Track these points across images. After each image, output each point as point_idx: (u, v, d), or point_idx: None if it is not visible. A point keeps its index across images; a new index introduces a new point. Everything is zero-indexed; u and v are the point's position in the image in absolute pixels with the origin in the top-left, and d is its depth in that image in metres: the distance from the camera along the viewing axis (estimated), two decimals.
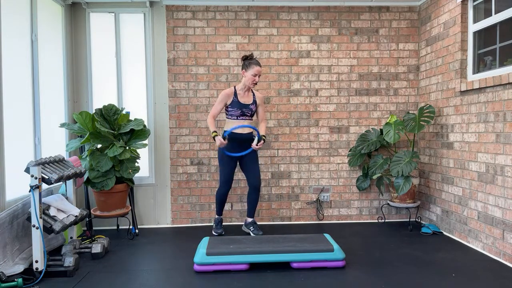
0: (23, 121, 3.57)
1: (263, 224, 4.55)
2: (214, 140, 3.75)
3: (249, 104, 3.92)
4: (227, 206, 4.60)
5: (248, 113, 3.93)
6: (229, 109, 3.91)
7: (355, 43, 4.64)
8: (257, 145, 3.85)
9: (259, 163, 4.60)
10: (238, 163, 4.10)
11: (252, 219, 4.09)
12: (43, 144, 3.84)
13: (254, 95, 3.98)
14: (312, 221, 4.66)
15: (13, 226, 3.12)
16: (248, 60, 3.88)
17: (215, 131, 3.80)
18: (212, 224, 4.59)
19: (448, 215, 4.07)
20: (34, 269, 2.91)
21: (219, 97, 3.90)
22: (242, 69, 3.90)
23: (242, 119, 3.91)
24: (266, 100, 4.59)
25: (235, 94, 3.91)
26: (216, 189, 4.38)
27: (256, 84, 3.89)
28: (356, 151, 4.51)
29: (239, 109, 3.89)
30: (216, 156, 4.58)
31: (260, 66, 3.87)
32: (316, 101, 4.63)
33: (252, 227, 4.05)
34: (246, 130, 3.90)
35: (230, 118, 3.94)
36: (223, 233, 4.12)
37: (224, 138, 3.82)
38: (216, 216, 4.20)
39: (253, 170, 3.97)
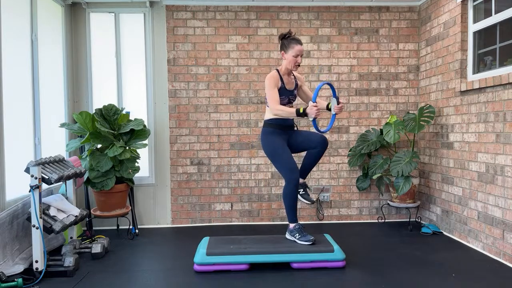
0: (23, 121, 3.56)
1: (263, 224, 4.55)
2: (306, 114, 3.03)
3: (293, 90, 3.35)
4: (227, 206, 4.60)
5: (293, 100, 3.38)
6: (278, 96, 3.24)
7: (355, 43, 4.64)
8: (338, 104, 3.13)
9: (260, 163, 4.61)
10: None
11: (304, 181, 3.41)
12: (43, 144, 3.84)
13: (295, 77, 3.39)
14: (312, 221, 4.66)
15: (13, 226, 3.12)
16: (286, 39, 3.24)
17: (298, 108, 3.10)
18: (212, 224, 4.59)
19: (448, 215, 4.07)
20: (34, 269, 2.92)
21: (270, 83, 3.19)
22: (280, 50, 3.29)
23: (289, 106, 3.34)
24: (266, 100, 4.58)
25: (282, 80, 3.27)
26: (284, 188, 3.30)
27: (299, 66, 3.28)
28: (356, 151, 4.51)
29: (287, 96, 3.30)
30: (217, 156, 4.58)
31: (301, 44, 3.23)
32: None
33: (303, 190, 3.37)
34: (291, 115, 3.15)
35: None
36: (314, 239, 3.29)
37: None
38: (296, 225, 3.33)
39: (310, 135, 3.35)
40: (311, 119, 3.04)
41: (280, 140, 3.29)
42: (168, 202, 4.58)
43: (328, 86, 4.62)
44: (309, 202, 3.42)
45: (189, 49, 4.55)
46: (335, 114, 3.17)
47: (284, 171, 3.23)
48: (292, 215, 3.31)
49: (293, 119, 3.36)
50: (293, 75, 3.40)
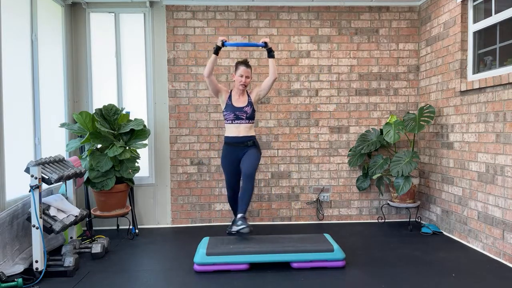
0: (23, 121, 3.56)
1: (263, 224, 4.55)
2: (217, 46, 3.64)
3: (243, 107, 3.71)
4: (227, 206, 4.60)
5: (243, 116, 3.71)
6: (224, 113, 3.74)
7: (355, 43, 4.64)
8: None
9: (260, 163, 4.60)
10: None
11: (241, 214, 3.53)
12: (43, 144, 3.84)
13: (248, 96, 3.79)
14: (312, 221, 4.66)
15: (13, 226, 3.12)
16: (237, 63, 3.76)
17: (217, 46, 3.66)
18: (212, 224, 4.59)
19: (448, 215, 4.07)
20: (34, 269, 2.92)
21: (221, 85, 3.88)
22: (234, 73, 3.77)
23: (238, 123, 3.70)
24: (266, 100, 4.59)
25: (230, 97, 3.75)
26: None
27: (245, 85, 3.69)
28: (356, 151, 4.51)
29: (232, 112, 3.69)
30: (217, 156, 4.58)
31: (247, 66, 3.70)
32: (316, 101, 4.63)
33: (239, 221, 3.48)
34: (241, 133, 3.69)
35: (226, 123, 3.75)
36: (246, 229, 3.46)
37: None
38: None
39: (248, 161, 3.65)
40: (219, 44, 3.63)
41: (228, 159, 3.77)
42: (168, 202, 4.58)
43: (328, 86, 4.61)
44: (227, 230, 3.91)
45: (189, 49, 4.55)
46: (264, 44, 3.69)
47: (226, 184, 3.90)
48: (233, 211, 3.95)
49: (243, 137, 3.71)
50: (248, 95, 3.79)
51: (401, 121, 4.21)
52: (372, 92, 4.67)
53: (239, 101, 3.75)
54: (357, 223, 4.59)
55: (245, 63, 3.74)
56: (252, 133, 3.78)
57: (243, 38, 4.57)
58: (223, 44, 3.66)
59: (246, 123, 3.73)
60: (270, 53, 3.68)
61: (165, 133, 4.56)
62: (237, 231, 3.37)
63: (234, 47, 4.55)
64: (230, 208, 4.59)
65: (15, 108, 3.41)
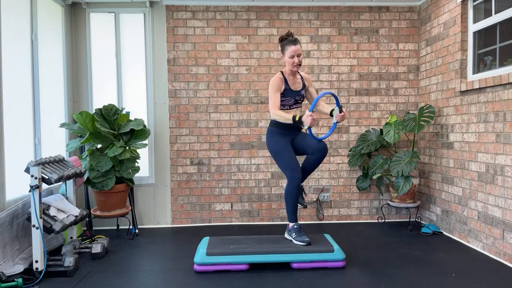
0: (23, 121, 3.56)
1: (263, 224, 4.55)
2: (301, 122, 3.04)
3: (300, 90, 3.36)
4: (227, 206, 4.60)
5: (300, 100, 3.39)
6: (283, 98, 3.30)
7: (355, 43, 4.64)
8: (340, 112, 3.13)
9: (260, 163, 4.61)
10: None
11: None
12: (43, 144, 3.84)
13: (302, 77, 3.40)
14: (312, 221, 4.66)
15: (13, 226, 3.12)
16: (283, 42, 3.29)
17: (294, 115, 3.11)
18: (212, 224, 4.59)
19: (448, 215, 4.07)
20: (34, 269, 2.92)
21: (273, 86, 3.25)
22: (282, 53, 3.35)
23: (295, 107, 3.37)
24: (266, 100, 4.59)
25: (286, 81, 3.31)
26: (286, 187, 3.37)
27: (300, 65, 3.26)
28: (356, 151, 4.51)
29: (292, 97, 3.32)
30: (217, 156, 4.58)
31: (296, 44, 3.22)
32: None
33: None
34: (288, 121, 3.17)
35: (283, 109, 3.33)
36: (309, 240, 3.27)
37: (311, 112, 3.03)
38: (294, 224, 3.34)
39: (310, 140, 3.31)
40: (305, 127, 3.04)
41: (283, 140, 3.34)
42: (168, 202, 4.58)
43: (328, 86, 4.62)
44: (301, 206, 3.50)
45: (189, 49, 4.55)
46: (336, 122, 3.17)
47: (286, 170, 3.29)
48: (291, 214, 3.34)
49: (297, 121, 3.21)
50: (300, 75, 3.40)
51: (401, 121, 4.21)
52: (372, 92, 4.67)
53: (295, 83, 3.35)
54: (357, 223, 4.59)
55: (291, 41, 3.24)
56: None
57: (243, 37, 4.56)
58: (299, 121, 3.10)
59: (300, 107, 3.42)
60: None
61: (165, 133, 4.56)
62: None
63: (234, 48, 4.53)
64: (230, 208, 4.60)
65: (15, 108, 3.41)
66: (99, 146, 3.97)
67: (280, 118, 3.19)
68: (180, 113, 4.56)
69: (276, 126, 3.35)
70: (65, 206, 3.38)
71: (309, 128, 3.03)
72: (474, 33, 3.73)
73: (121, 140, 4.01)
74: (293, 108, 3.37)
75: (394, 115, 4.38)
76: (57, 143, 4.17)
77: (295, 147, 3.42)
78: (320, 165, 4.63)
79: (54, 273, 2.98)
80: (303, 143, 3.38)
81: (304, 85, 3.41)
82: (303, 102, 3.48)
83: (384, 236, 4.05)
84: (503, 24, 3.37)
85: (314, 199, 4.66)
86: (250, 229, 4.31)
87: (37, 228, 2.89)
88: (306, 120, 2.99)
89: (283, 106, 3.34)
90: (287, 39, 3.26)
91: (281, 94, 3.28)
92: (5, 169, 3.16)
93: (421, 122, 4.10)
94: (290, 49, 3.22)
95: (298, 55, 3.23)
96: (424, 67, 4.55)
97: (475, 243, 3.64)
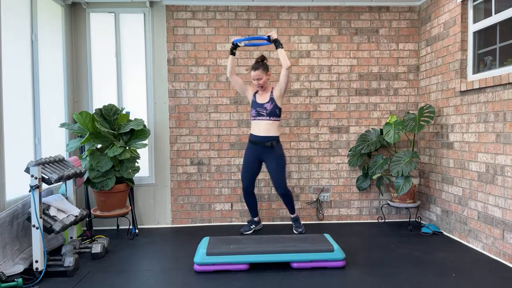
0: (23, 121, 3.56)
1: (263, 224, 4.55)
2: (231, 46, 3.86)
3: (263, 103, 3.86)
4: (227, 206, 4.60)
5: (263, 112, 3.85)
6: (250, 109, 3.96)
7: (355, 43, 4.64)
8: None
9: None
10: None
11: (294, 215, 4.17)
12: (43, 144, 3.84)
13: (271, 92, 3.91)
14: (312, 221, 4.66)
15: (13, 226, 3.12)
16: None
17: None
18: (212, 224, 4.59)
19: (448, 215, 4.07)
20: (34, 269, 2.92)
21: (249, 85, 4.10)
22: None
23: (259, 119, 3.87)
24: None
25: (255, 94, 3.96)
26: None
27: (262, 86, 3.90)
28: (356, 151, 4.51)
29: (254, 108, 3.88)
30: (217, 156, 4.58)
31: (255, 69, 3.85)
32: (316, 101, 4.63)
33: (294, 223, 4.18)
34: (261, 131, 3.86)
35: (251, 119, 3.97)
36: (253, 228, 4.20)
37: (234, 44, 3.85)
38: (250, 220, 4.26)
39: (275, 177, 3.94)
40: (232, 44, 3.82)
41: (248, 154, 3.97)
42: (168, 202, 4.58)
43: (328, 86, 4.61)
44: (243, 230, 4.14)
45: (189, 49, 4.55)
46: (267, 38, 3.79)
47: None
48: (251, 213, 4.19)
49: (263, 137, 3.85)
50: (272, 91, 3.89)
51: (401, 121, 4.21)
52: (372, 92, 4.67)
53: (262, 97, 3.90)
54: (357, 223, 4.59)
55: (252, 67, 3.86)
56: (273, 133, 3.85)
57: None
58: (233, 43, 3.82)
59: (267, 119, 3.83)
60: (276, 44, 3.76)
61: (165, 133, 4.56)
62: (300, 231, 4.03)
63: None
64: (230, 208, 4.60)
65: (15, 108, 3.41)
66: (99, 146, 3.98)
67: (228, 64, 3.92)
68: (180, 113, 4.56)
69: (248, 140, 3.99)
70: (65, 206, 3.38)
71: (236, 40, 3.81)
72: (474, 33, 3.73)
73: (121, 140, 4.01)
74: (257, 120, 3.86)
75: (394, 115, 4.38)
76: (57, 143, 4.17)
77: (268, 170, 3.99)
78: (320, 165, 4.64)
79: (54, 273, 2.98)
80: (271, 171, 3.95)
81: (272, 98, 3.84)
82: (278, 116, 3.91)
83: (384, 236, 4.05)
84: (503, 24, 3.37)
85: (314, 199, 4.66)
86: None
87: (37, 228, 2.89)
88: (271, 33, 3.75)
89: (250, 117, 3.93)
90: (254, 64, 3.87)
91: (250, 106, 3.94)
92: (5, 169, 3.17)
93: (421, 122, 4.10)
94: (251, 73, 3.85)
95: (258, 79, 3.82)
96: (424, 67, 4.55)
97: (475, 243, 3.64)
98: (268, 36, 3.76)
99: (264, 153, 3.86)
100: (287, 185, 4.00)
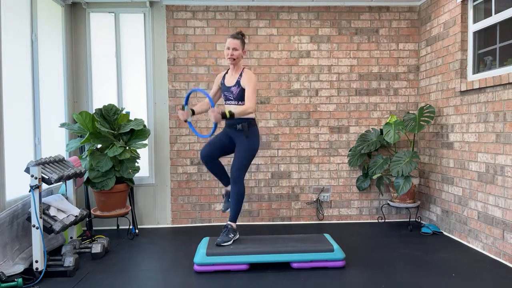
0: (23, 121, 3.56)
1: (263, 224, 4.55)
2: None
3: (230, 87, 3.37)
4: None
5: (230, 96, 3.37)
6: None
7: (355, 43, 4.64)
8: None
9: (260, 163, 4.60)
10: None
11: (231, 222, 3.34)
12: (43, 144, 3.84)
13: (240, 75, 3.36)
14: (312, 221, 4.66)
15: (13, 226, 3.12)
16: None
17: (184, 106, 3.35)
18: (212, 224, 4.59)
19: (448, 215, 4.07)
20: (34, 269, 2.91)
21: (215, 81, 3.60)
22: None
23: (228, 104, 3.41)
24: (266, 100, 4.58)
25: (224, 76, 3.47)
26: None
27: (233, 59, 3.32)
28: (356, 151, 4.51)
29: (223, 92, 3.46)
30: None
31: (235, 37, 3.32)
32: (316, 101, 4.63)
33: (224, 229, 3.31)
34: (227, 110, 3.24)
35: (224, 104, 3.50)
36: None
37: (182, 107, 3.35)
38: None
39: (235, 160, 3.40)
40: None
41: (218, 135, 3.53)
42: (168, 202, 4.58)
43: (328, 86, 4.61)
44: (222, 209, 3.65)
45: (189, 49, 4.55)
46: (215, 122, 3.16)
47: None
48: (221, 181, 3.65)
49: (236, 120, 3.34)
50: (241, 73, 3.37)
51: (401, 121, 4.21)
52: (372, 92, 4.67)
53: (230, 79, 3.42)
54: (357, 223, 4.58)
55: (232, 36, 3.35)
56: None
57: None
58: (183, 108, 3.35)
59: (235, 104, 3.36)
60: (231, 116, 3.20)
61: (165, 133, 4.56)
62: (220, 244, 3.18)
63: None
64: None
65: (15, 108, 3.41)
66: (99, 146, 3.97)
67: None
68: None
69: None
70: (65, 206, 3.38)
71: (215, 123, 3.15)
72: (474, 33, 3.73)
73: (121, 140, 4.01)
74: (227, 104, 3.42)
75: (394, 115, 4.38)
76: (57, 143, 4.17)
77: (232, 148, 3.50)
78: (320, 165, 4.64)
79: (54, 273, 2.98)
80: (234, 156, 3.43)
81: (238, 82, 3.35)
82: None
83: (384, 236, 4.05)
84: (503, 24, 3.37)
85: (314, 199, 4.66)
86: (250, 229, 4.31)
87: (37, 228, 2.89)
88: (210, 115, 3.13)
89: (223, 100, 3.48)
90: (230, 35, 3.37)
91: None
92: (5, 169, 3.16)
93: (421, 122, 4.10)
94: (228, 40, 3.33)
95: (234, 49, 3.30)
96: (424, 67, 4.55)
97: (475, 243, 3.64)
98: (215, 123, 3.19)
99: (236, 136, 3.41)
100: (243, 177, 3.38)
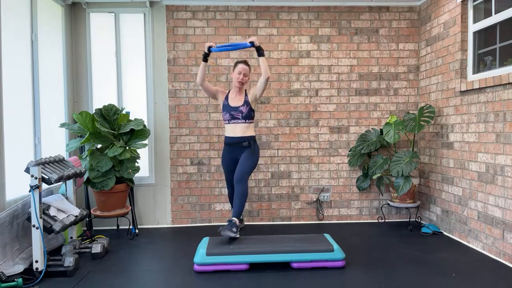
0: (23, 121, 3.56)
1: (263, 224, 4.55)
2: (205, 53, 3.68)
3: (238, 106, 3.74)
4: (227, 206, 4.60)
5: (239, 115, 3.74)
6: (222, 113, 3.83)
7: (355, 43, 4.64)
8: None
9: (260, 162, 4.60)
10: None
11: (234, 219, 3.48)
12: (43, 144, 3.84)
13: (246, 95, 3.81)
14: (312, 221, 4.66)
15: (13, 226, 3.12)
16: (236, 63, 3.83)
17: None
18: (212, 224, 4.60)
19: (448, 215, 4.07)
20: (34, 269, 2.92)
21: (219, 88, 4.02)
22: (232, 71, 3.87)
23: (234, 122, 3.76)
24: (266, 100, 4.59)
25: (227, 97, 3.83)
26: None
27: (242, 83, 3.76)
28: (356, 151, 4.51)
29: (228, 112, 3.76)
30: (217, 156, 4.58)
31: (246, 64, 3.77)
32: (316, 101, 4.63)
33: (228, 223, 3.40)
34: (237, 133, 3.75)
35: (224, 123, 3.86)
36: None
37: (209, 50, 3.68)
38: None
39: (240, 166, 3.67)
40: (206, 50, 3.65)
41: (225, 158, 3.89)
42: (168, 202, 4.58)
43: (328, 86, 4.61)
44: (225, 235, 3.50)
45: (189, 49, 4.55)
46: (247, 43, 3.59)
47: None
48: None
49: (239, 137, 3.75)
50: (246, 93, 3.82)
51: (401, 121, 4.21)
52: (372, 92, 4.67)
53: (235, 100, 3.79)
54: (357, 223, 4.59)
55: (243, 61, 3.81)
56: (249, 133, 3.79)
57: (243, 37, 4.57)
58: (210, 50, 3.66)
59: (243, 122, 3.76)
60: (259, 52, 3.62)
61: (165, 133, 4.56)
62: (227, 235, 3.29)
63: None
64: (230, 208, 4.60)
65: (15, 108, 3.41)
66: (99, 146, 3.98)
67: (199, 71, 3.75)
68: (180, 113, 4.56)
69: (224, 143, 3.89)
70: (65, 206, 3.38)
71: (240, 44, 3.62)
72: (474, 33, 3.73)
73: (121, 140, 4.01)
74: (232, 123, 3.76)
75: (394, 115, 4.38)
76: (57, 143, 4.17)
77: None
78: (321, 165, 4.64)
79: (54, 273, 2.98)
80: (238, 163, 3.73)
81: (246, 101, 3.76)
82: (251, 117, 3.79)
83: (384, 236, 4.05)
84: (503, 24, 3.37)
85: (314, 199, 4.66)
86: (250, 229, 4.31)
87: (37, 228, 2.89)
88: (250, 38, 3.59)
89: (224, 120, 3.82)
90: (241, 61, 3.80)
91: (221, 110, 3.83)
92: (5, 169, 3.16)
93: (421, 122, 4.10)
94: (239, 66, 3.74)
95: (244, 74, 3.74)
96: (424, 67, 4.55)
97: (475, 243, 3.64)
98: (252, 42, 3.58)
99: (240, 152, 3.78)
100: (247, 179, 3.62)
